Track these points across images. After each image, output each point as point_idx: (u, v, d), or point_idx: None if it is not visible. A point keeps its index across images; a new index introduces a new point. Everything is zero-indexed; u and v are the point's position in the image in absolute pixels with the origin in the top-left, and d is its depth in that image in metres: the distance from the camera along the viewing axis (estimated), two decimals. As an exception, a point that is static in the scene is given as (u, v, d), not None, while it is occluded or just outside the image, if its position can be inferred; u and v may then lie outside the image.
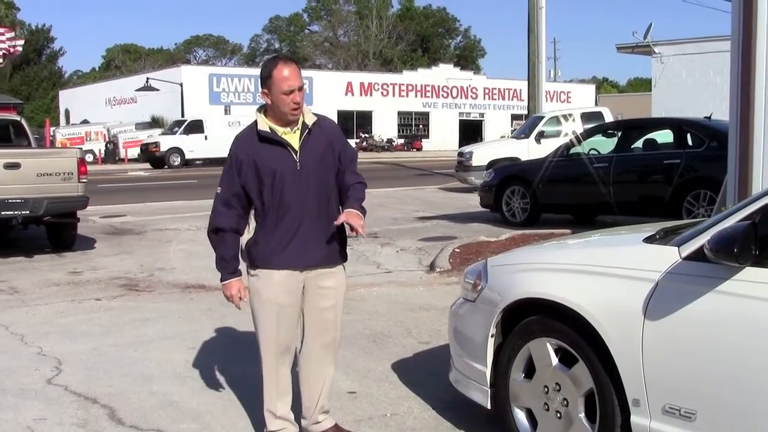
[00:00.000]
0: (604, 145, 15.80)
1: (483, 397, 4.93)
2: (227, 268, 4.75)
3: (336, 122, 5.06)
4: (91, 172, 15.13)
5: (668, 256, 3.94)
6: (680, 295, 3.79)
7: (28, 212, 12.23)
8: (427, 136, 66.22)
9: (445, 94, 68.73)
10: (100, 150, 49.33)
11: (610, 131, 16.75)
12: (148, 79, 52.70)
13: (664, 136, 15.26)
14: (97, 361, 6.86)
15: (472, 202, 18.56)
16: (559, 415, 4.44)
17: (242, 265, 4.78)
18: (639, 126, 16.65)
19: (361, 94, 64.64)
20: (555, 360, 4.46)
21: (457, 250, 12.01)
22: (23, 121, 15.63)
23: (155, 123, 54.69)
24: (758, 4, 8.07)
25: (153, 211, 19.62)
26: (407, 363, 6.74)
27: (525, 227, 14.88)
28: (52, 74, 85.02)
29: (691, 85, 27.75)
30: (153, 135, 47.25)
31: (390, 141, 61.59)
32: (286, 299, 4.72)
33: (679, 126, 14.80)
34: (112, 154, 49.37)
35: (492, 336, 4.79)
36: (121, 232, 15.69)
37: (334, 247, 4.84)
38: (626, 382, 4.00)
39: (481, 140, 56.55)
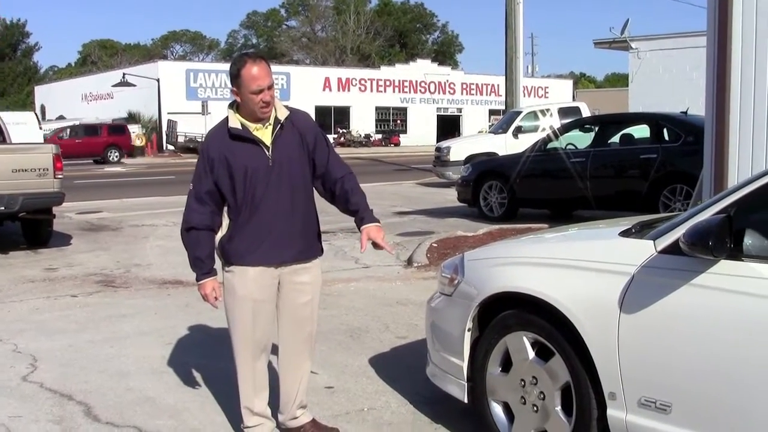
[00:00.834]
0: (582, 140, 15.85)
1: (460, 392, 4.93)
2: (202, 268, 4.72)
3: (310, 115, 5.03)
4: (67, 168, 15.03)
5: (644, 249, 3.95)
6: (656, 289, 3.80)
7: (3, 208, 12.13)
8: (405, 132, 66.26)
9: (422, 90, 68.73)
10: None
11: (588, 126, 16.80)
12: (124, 74, 52.49)
13: (641, 131, 15.33)
14: (72, 358, 6.82)
15: (450, 197, 18.60)
16: (535, 408, 4.45)
17: (217, 263, 4.76)
18: (616, 121, 16.75)
19: (338, 90, 64.58)
20: (532, 354, 4.46)
21: (435, 244, 12.02)
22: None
23: (132, 119, 54.46)
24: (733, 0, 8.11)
25: (129, 207, 19.54)
26: (384, 358, 6.74)
27: (502, 222, 14.93)
28: (27, 69, 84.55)
29: (667, 80, 27.87)
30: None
31: (368, 136, 61.58)
32: (261, 295, 4.70)
33: (655, 121, 14.88)
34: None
35: (469, 330, 4.79)
36: (97, 228, 15.61)
37: (309, 243, 4.84)
38: (602, 375, 4.01)
39: (459, 135, 56.57)
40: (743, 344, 3.50)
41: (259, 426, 4.88)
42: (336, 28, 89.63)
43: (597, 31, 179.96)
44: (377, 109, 66.43)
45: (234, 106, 4.69)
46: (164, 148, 53.38)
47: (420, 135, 64.24)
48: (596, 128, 15.87)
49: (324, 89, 63.66)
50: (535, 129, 22.95)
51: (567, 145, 15.43)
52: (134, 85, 52.47)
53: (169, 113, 54.80)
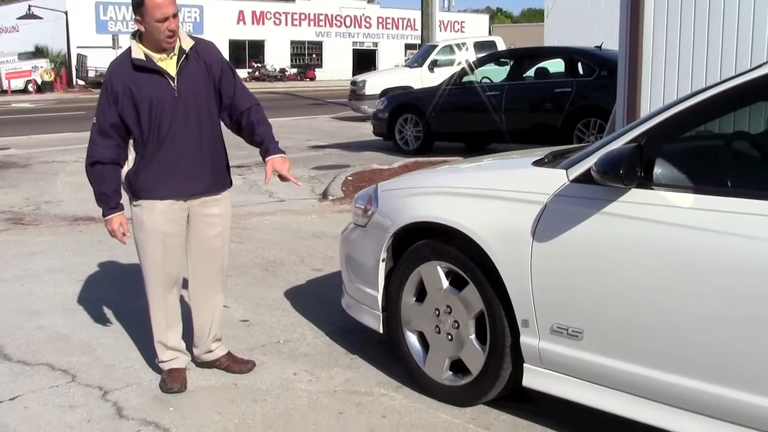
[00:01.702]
0: (497, 73, 15.92)
1: (375, 322, 4.95)
2: (108, 203, 4.62)
3: (215, 45, 4.91)
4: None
5: (556, 178, 3.97)
6: (568, 217, 3.83)
7: None
8: (321, 66, 65.61)
9: (338, 24, 68.02)
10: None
11: (503, 60, 16.87)
12: (30, 6, 50.82)
13: (556, 66, 15.47)
14: (-20, 296, 6.67)
15: (365, 130, 18.56)
16: (450, 337, 4.49)
17: (125, 197, 4.67)
18: (531, 55, 16.83)
19: (253, 23, 63.49)
20: (446, 283, 4.48)
21: (350, 178, 12.02)
22: None
23: (39, 53, 52.92)
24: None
25: (38, 143, 19.05)
26: (300, 290, 6.73)
27: (418, 155, 14.99)
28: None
29: (583, 16, 28.10)
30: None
31: (283, 71, 60.82)
32: (171, 229, 4.64)
33: (570, 55, 15.01)
34: (-7, 85, 47.68)
35: (383, 260, 4.79)
36: (4, 165, 15.19)
37: (218, 175, 4.77)
38: (515, 303, 4.05)
39: (375, 69, 56.36)
40: (652, 271, 3.56)
41: (174, 360, 4.85)
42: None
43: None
44: (292, 43, 65.57)
45: (137, 36, 4.55)
46: (74, 83, 51.98)
47: (336, 69, 63.69)
48: (511, 62, 15.95)
49: (238, 23, 62.52)
50: (450, 63, 22.93)
51: (482, 78, 15.48)
52: (41, 18, 50.84)
53: (78, 47, 53.26)
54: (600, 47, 15.03)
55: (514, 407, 4.42)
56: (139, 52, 4.51)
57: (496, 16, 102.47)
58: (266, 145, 4.72)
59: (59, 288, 6.89)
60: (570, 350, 3.89)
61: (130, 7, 4.54)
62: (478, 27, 72.11)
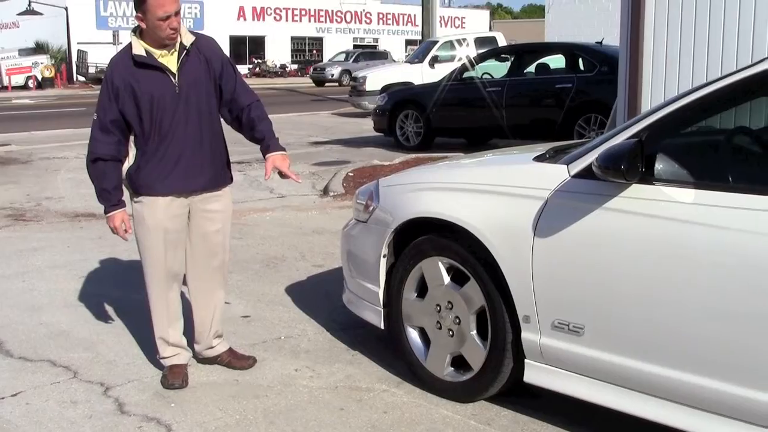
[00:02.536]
0: (498, 69, 15.88)
1: (376, 318, 4.95)
2: (110, 200, 4.61)
3: (216, 40, 4.90)
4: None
5: (557, 174, 3.97)
6: (569, 213, 3.82)
7: None
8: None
9: (339, 19, 68.03)
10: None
11: (504, 56, 16.82)
12: (30, 2, 50.83)
13: (557, 61, 15.42)
14: (-19, 292, 6.67)
15: (366, 126, 18.55)
16: (451, 333, 4.49)
17: (126, 194, 4.67)
18: (532, 50, 16.77)
19: (253, 19, 63.52)
20: (447, 279, 4.48)
21: (351, 174, 12.03)
22: None
23: (40, 49, 52.91)
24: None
25: (39, 139, 19.03)
26: (301, 286, 6.74)
27: (418, 151, 14.97)
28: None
29: (583, 11, 28.05)
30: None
31: (283, 67, 60.83)
32: (172, 225, 4.64)
33: (571, 51, 14.98)
34: (-6, 81, 47.68)
35: (384, 256, 4.79)
36: (5, 162, 15.19)
37: (219, 171, 4.77)
38: (516, 299, 4.05)
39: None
40: (653, 266, 3.56)
41: (175, 356, 4.85)
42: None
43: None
44: (293, 39, 65.60)
45: (137, 31, 4.54)
46: (75, 79, 52.03)
47: (337, 65, 63.79)
48: (512, 58, 15.89)
49: (238, 18, 62.54)
50: (451, 59, 22.87)
51: (483, 74, 15.45)
52: (41, 14, 50.91)
53: (79, 43, 53.34)
54: (601, 43, 15.02)
55: (516, 403, 4.42)
56: (139, 48, 4.50)
57: (497, 11, 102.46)
58: (267, 142, 4.72)
59: (60, 284, 6.89)
60: (571, 346, 3.89)
61: (131, 3, 4.53)
62: (478, 23, 72.13)
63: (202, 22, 57.68)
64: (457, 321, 4.44)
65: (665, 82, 8.22)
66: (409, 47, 64.53)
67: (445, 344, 4.54)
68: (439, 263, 4.50)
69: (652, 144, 3.67)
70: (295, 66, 62.69)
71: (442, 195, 4.51)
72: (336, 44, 66.61)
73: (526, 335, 4.07)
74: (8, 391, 4.74)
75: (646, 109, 8.14)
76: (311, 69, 52.23)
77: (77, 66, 52.90)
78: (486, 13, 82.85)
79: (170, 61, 4.54)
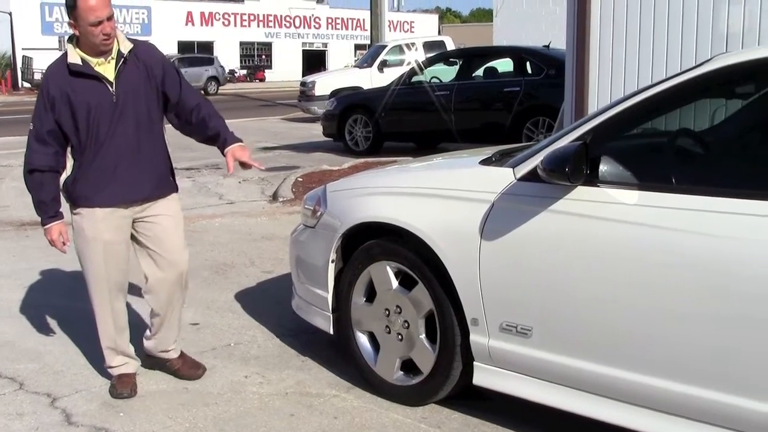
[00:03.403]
0: (446, 73, 15.97)
1: (325, 323, 4.94)
2: (47, 212, 4.54)
3: (155, 46, 4.83)
4: None
5: (503, 177, 3.99)
6: (515, 215, 3.85)
7: None
8: (270, 67, 65.38)
9: (287, 24, 67.84)
10: None
11: (452, 59, 16.92)
12: (-28, 7, 50.20)
13: (505, 65, 15.55)
14: (-76, 302, 6.55)
15: (315, 131, 18.53)
16: (400, 337, 4.49)
17: (65, 205, 4.60)
18: (480, 54, 16.89)
19: (202, 24, 63.11)
20: (395, 283, 4.49)
21: (300, 179, 12.01)
22: None
23: (-17, 54, 52.26)
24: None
25: (-17, 147, 18.76)
26: (250, 293, 6.71)
27: (368, 156, 15.00)
28: None
29: (531, 15, 28.23)
30: None
31: (232, 72, 60.52)
32: (113, 236, 4.55)
33: (518, 54, 15.10)
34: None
35: (332, 261, 4.78)
36: (-52, 170, 14.95)
37: (161, 180, 4.69)
38: (465, 302, 4.06)
39: (325, 70, 56.31)
40: (598, 268, 3.59)
41: (123, 365, 4.80)
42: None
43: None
44: (242, 44, 65.30)
45: (73, 40, 4.45)
46: (20, 85, 51.35)
47: (286, 70, 63.50)
48: (460, 62, 16.00)
49: (187, 24, 62.12)
50: (400, 63, 22.94)
51: (432, 78, 15.52)
52: (-17, 19, 50.30)
53: (23, 49, 52.65)
54: (548, 46, 15.16)
55: (466, 405, 4.43)
56: (75, 56, 4.40)
57: (446, 16, 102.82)
58: (223, 136, 4.64)
59: (5, 294, 6.79)
60: (519, 348, 3.91)
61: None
62: (427, 27, 72.30)
63: (149, 27, 57.27)
64: (406, 325, 4.45)
65: (611, 84, 8.29)
66: (358, 51, 64.54)
67: (394, 348, 4.54)
68: (388, 267, 4.50)
69: (597, 146, 3.71)
70: (244, 71, 62.44)
71: (390, 199, 4.52)
72: (285, 49, 66.52)
73: (474, 338, 4.09)
74: (-48, 404, 4.67)
75: (592, 111, 8.22)
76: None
77: (22, 72, 52.16)
78: (435, 17, 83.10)
79: (107, 69, 4.44)
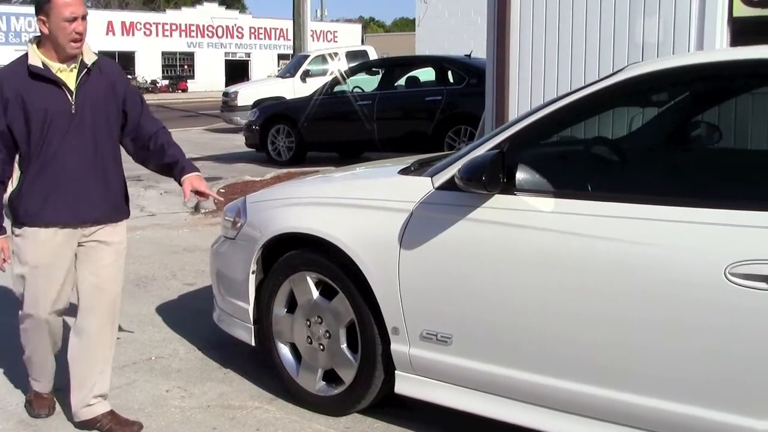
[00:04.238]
0: (369, 83, 16.04)
1: (247, 335, 4.91)
2: None
3: (118, 64, 4.61)
4: None
5: (422, 186, 4.02)
6: (433, 224, 3.88)
7: None
8: (193, 77, 64.87)
9: (210, 34, 67.37)
10: None
11: (375, 69, 16.99)
12: None
13: (426, 74, 15.68)
14: None
15: (238, 142, 18.43)
16: (322, 347, 4.49)
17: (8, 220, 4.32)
18: (402, 64, 17.01)
19: (122, 34, 62.35)
20: (316, 293, 4.49)
21: (222, 190, 11.94)
22: None
23: None
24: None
25: None
26: (172, 305, 6.65)
27: (291, 166, 14.97)
28: None
29: (453, 25, 28.47)
30: None
31: (154, 82, 59.90)
32: (54, 259, 4.22)
33: (440, 64, 15.24)
34: None
35: (253, 272, 4.76)
36: None
37: (114, 203, 4.38)
38: (385, 311, 4.08)
39: (248, 80, 56.04)
40: (516, 275, 3.63)
41: (47, 399, 4.62)
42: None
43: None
44: (164, 54, 64.68)
45: (35, 41, 4.19)
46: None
47: (208, 80, 63.04)
48: (383, 71, 16.08)
49: (107, 33, 61.24)
50: (323, 73, 22.95)
51: (354, 88, 15.56)
52: None
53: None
54: (469, 56, 15.31)
55: (388, 414, 4.45)
56: (36, 58, 4.13)
57: (369, 25, 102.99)
58: (181, 164, 4.41)
59: None
60: (440, 356, 3.94)
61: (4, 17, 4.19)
62: (350, 36, 72.33)
63: (68, 37, 56.46)
64: (328, 335, 4.44)
65: (532, 93, 8.40)
66: (281, 61, 64.37)
67: (316, 359, 4.54)
68: (308, 278, 4.50)
69: (514, 155, 3.75)
70: (167, 82, 61.86)
71: (310, 210, 4.52)
72: (208, 59, 66.07)
73: (395, 347, 4.10)
74: None
75: (512, 119, 8.31)
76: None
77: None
78: (358, 26, 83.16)
79: (69, 77, 4.17)
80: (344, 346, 4.38)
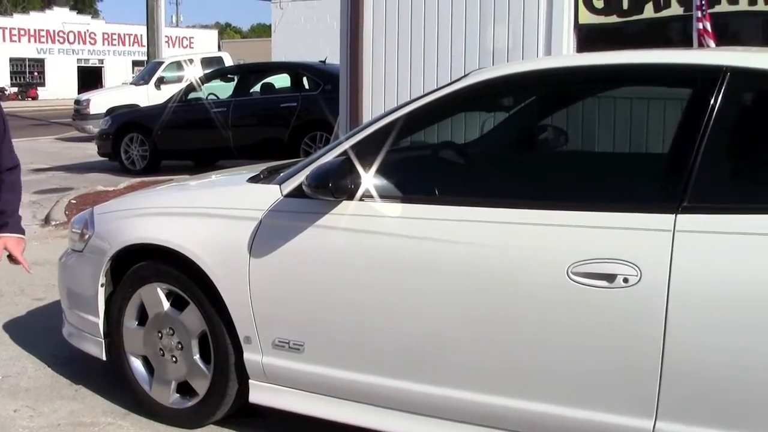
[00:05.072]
0: (224, 90, 15.91)
1: (98, 349, 4.81)
2: None
3: None
4: None
5: (270, 194, 4.01)
6: (282, 232, 3.88)
7: None
8: (44, 84, 63.10)
9: (61, 40, 65.64)
10: None
11: (229, 76, 16.87)
12: None
13: (282, 81, 15.65)
14: None
15: (91, 151, 18.00)
16: (174, 359, 4.43)
17: None
18: (257, 70, 16.95)
19: (-34, 40, 60.36)
20: (167, 305, 4.43)
21: (74, 201, 11.65)
22: None
23: None
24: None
25: None
26: (20, 322, 6.44)
27: (145, 175, 14.71)
28: None
29: (309, 30, 28.56)
30: None
31: (2, 90, 57.99)
32: None
33: (295, 70, 15.26)
34: None
35: (102, 285, 4.65)
36: None
37: None
38: (236, 320, 4.06)
39: (102, 87, 54.85)
40: (366, 280, 3.67)
41: None
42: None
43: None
44: (11, 60, 62.69)
45: None
46: None
47: (60, 88, 61.37)
48: (238, 78, 15.97)
49: (-50, 40, 59.29)
50: (178, 80, 22.60)
51: (209, 95, 15.41)
52: None
53: None
54: (324, 62, 15.36)
55: (245, 424, 4.43)
56: None
57: (226, 31, 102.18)
58: (7, 218, 4.10)
59: None
60: (293, 363, 3.94)
61: None
62: (207, 43, 71.62)
63: None
64: (180, 347, 4.39)
65: (385, 98, 8.49)
66: (136, 68, 63.24)
67: (169, 371, 4.48)
68: (158, 289, 4.44)
69: (361, 161, 3.78)
70: (15, 89, 59.99)
71: (159, 220, 4.46)
72: (59, 66, 64.38)
73: (248, 356, 4.08)
74: None
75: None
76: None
77: None
78: (215, 32, 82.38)
79: None
80: (197, 357, 4.34)
